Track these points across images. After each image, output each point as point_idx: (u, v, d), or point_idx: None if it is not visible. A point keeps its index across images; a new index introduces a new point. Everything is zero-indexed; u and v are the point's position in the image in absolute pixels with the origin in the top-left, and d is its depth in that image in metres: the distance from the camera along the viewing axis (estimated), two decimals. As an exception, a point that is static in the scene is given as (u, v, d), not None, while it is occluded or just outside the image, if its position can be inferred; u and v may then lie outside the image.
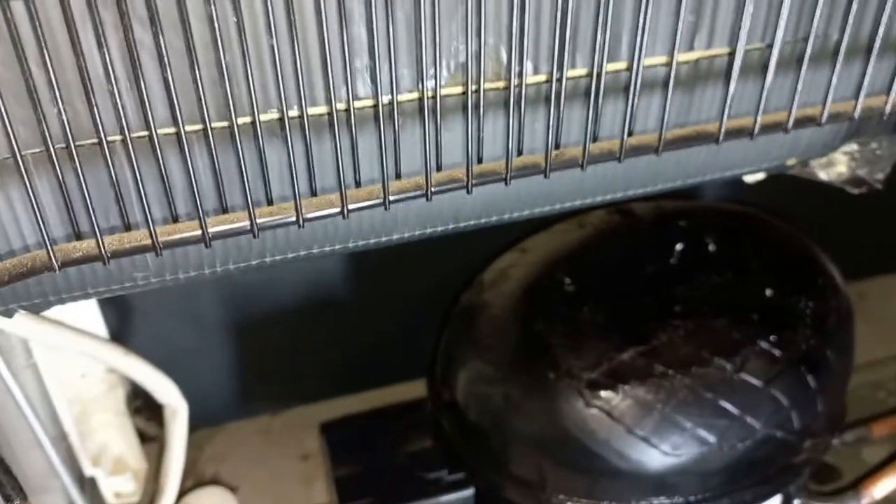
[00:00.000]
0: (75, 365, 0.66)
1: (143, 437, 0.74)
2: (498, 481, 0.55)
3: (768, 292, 0.54)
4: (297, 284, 0.75)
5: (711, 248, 0.56)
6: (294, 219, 0.28)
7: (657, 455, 0.50)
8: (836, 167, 0.44)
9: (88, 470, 0.70)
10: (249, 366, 0.80)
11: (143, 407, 0.73)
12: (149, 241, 0.26)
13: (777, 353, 0.52)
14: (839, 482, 0.65)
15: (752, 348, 0.51)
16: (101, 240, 0.26)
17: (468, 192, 0.31)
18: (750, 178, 0.46)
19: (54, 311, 0.56)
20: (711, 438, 0.50)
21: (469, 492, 0.57)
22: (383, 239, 0.37)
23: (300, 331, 0.78)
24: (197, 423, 0.83)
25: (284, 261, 0.36)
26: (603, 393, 0.51)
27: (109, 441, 0.72)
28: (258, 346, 0.78)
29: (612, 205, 0.64)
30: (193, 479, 0.79)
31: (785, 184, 0.72)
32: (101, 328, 0.66)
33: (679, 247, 0.56)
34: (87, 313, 0.64)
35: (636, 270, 0.56)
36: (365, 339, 0.80)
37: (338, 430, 0.62)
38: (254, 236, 0.28)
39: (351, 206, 0.30)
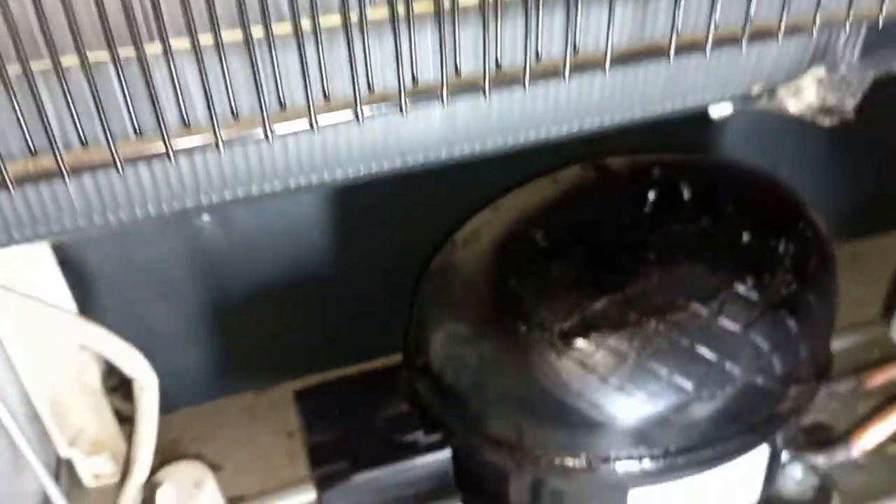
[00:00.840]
0: (45, 343, 0.65)
1: (121, 418, 0.72)
2: (475, 441, 0.54)
3: (745, 237, 0.52)
4: (277, 257, 0.73)
5: (686, 195, 0.54)
6: (214, 142, 0.27)
7: (633, 404, 0.49)
8: (804, 95, 0.42)
9: (64, 451, 0.69)
10: (230, 343, 0.79)
11: (120, 386, 0.71)
12: (55, 166, 0.25)
13: (755, 297, 0.50)
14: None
15: (730, 293, 0.50)
16: (4, 164, 0.25)
17: (401, 111, 0.29)
18: (715, 112, 0.44)
19: (10, 280, 0.55)
20: (689, 386, 0.49)
21: (446, 453, 0.56)
22: (325, 176, 0.35)
23: (282, 306, 0.76)
24: (178, 403, 0.82)
25: (222, 202, 0.34)
26: (575, 343, 0.49)
27: (85, 421, 0.71)
28: (239, 322, 0.76)
29: (586, 160, 0.63)
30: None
31: (773, 140, 0.70)
32: (70, 306, 0.65)
33: (652, 195, 0.55)
34: (55, 289, 0.63)
35: (610, 222, 0.55)
36: (350, 313, 0.78)
37: (312, 398, 0.61)
38: (169, 159, 0.27)
39: (277, 130, 0.28)
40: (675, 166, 0.58)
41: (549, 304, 0.51)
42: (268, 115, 0.28)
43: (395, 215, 0.73)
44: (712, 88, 0.40)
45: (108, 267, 0.68)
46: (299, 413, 0.59)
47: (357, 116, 0.29)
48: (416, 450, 0.55)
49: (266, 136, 0.28)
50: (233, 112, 0.28)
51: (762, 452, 0.55)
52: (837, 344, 0.56)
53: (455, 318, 0.55)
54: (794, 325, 0.50)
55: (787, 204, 0.57)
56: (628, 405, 0.49)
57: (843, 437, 0.58)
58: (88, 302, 0.68)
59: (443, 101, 0.30)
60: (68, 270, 0.66)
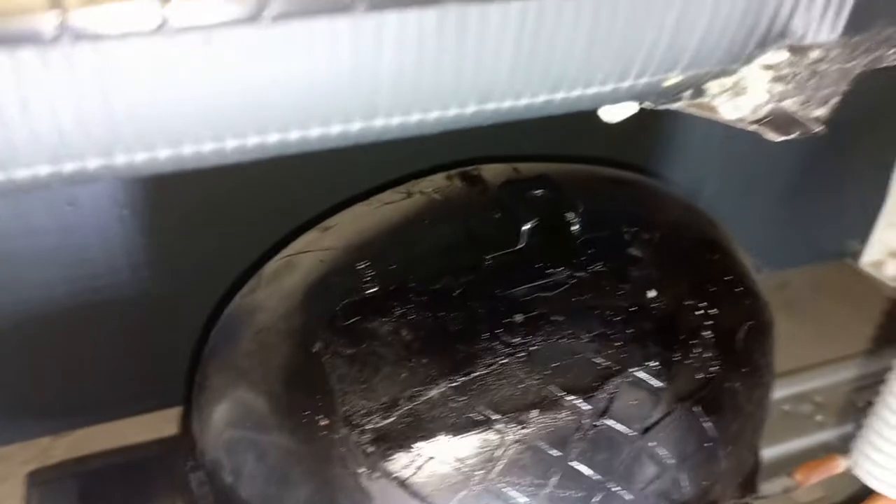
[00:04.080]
0: None
1: None
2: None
3: (651, 294, 0.36)
4: (51, 270, 0.54)
5: (574, 226, 0.38)
6: None
7: (476, 547, 0.32)
8: (749, 95, 0.26)
9: None
10: (18, 378, 0.60)
11: None
12: None
13: (660, 385, 0.34)
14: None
15: (624, 379, 0.33)
16: None
17: None
18: (610, 114, 0.28)
19: None
20: (559, 519, 0.33)
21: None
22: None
23: (71, 333, 0.58)
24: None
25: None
26: (395, 454, 0.32)
27: None
28: (10, 354, 0.58)
29: (459, 166, 0.46)
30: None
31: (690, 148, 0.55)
32: None
33: (529, 225, 0.38)
34: None
35: (469, 258, 0.38)
36: (156, 342, 0.60)
37: (54, 485, 0.42)
38: None
39: None
40: (563, 179, 0.41)
41: (365, 386, 0.34)
42: None
43: (209, 220, 0.55)
44: (607, 75, 0.23)
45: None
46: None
47: None
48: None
49: None
50: None
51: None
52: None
53: (240, 389, 0.38)
54: (711, 427, 0.34)
55: (709, 243, 0.41)
56: (468, 546, 0.32)
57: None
58: None
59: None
60: None
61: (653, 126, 0.61)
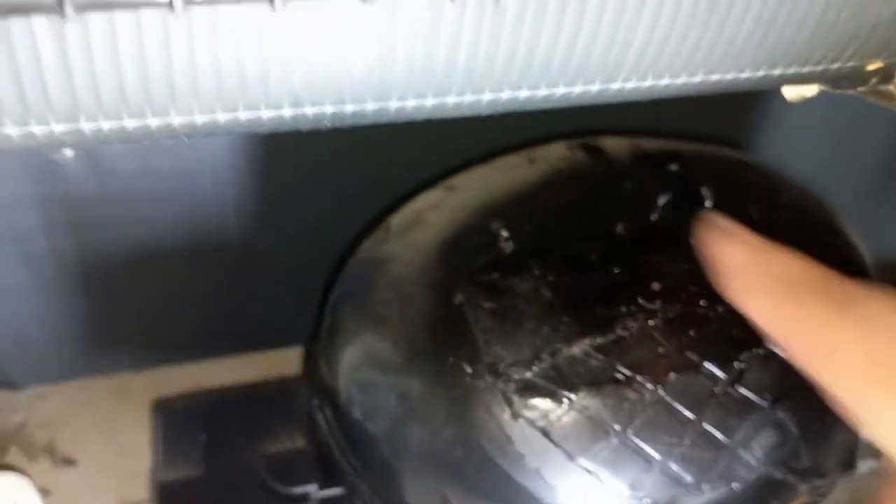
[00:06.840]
0: None
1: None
2: (385, 506, 0.39)
3: (783, 274, 0.38)
4: (162, 210, 0.57)
5: (709, 203, 0.40)
6: None
7: (608, 496, 0.34)
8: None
9: None
10: (104, 312, 0.63)
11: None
12: None
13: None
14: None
15: (757, 352, 0.35)
16: None
17: None
18: (793, 93, 0.29)
19: None
20: (688, 478, 0.34)
21: (345, 516, 0.41)
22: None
23: (168, 270, 0.60)
24: (27, 379, 0.65)
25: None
26: (538, 401, 0.34)
27: None
28: (109, 286, 0.60)
29: (575, 136, 0.47)
30: (21, 449, 0.62)
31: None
32: None
33: (664, 199, 0.40)
34: None
35: (602, 228, 0.39)
36: (258, 287, 0.63)
37: (177, 413, 0.45)
38: None
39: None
40: (691, 158, 0.43)
41: (508, 339, 0.36)
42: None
43: (324, 172, 0.57)
44: (808, 56, 0.24)
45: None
46: (156, 433, 0.44)
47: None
48: (304, 506, 0.40)
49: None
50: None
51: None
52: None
53: (377, 333, 0.40)
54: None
55: (837, 234, 0.42)
56: (601, 495, 0.34)
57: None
58: None
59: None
60: None
61: (748, 103, 0.62)
